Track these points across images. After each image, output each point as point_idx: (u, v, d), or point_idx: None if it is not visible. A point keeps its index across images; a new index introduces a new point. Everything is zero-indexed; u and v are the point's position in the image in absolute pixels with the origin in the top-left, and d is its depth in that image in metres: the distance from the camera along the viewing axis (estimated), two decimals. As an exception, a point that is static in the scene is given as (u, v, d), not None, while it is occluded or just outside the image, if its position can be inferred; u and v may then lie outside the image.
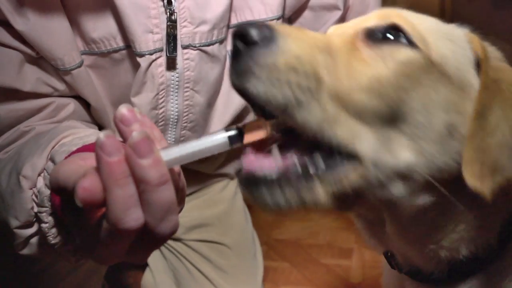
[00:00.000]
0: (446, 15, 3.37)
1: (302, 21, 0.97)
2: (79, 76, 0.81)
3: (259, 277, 1.19)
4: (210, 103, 0.94)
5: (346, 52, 0.43)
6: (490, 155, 0.40)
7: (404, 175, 0.42)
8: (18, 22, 0.73)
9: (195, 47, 0.84)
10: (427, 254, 0.50)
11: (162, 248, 1.23)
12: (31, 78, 0.78)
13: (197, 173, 1.12)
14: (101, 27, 0.80)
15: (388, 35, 0.43)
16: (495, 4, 2.97)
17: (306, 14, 0.96)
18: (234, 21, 0.90)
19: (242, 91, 0.40)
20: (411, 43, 0.43)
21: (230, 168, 1.19)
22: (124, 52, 0.83)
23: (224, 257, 1.17)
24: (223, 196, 1.23)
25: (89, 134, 0.68)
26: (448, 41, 0.46)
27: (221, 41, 0.87)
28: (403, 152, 0.41)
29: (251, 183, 0.41)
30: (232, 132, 0.44)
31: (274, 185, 0.38)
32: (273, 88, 0.36)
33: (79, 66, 0.81)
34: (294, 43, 0.38)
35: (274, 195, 0.38)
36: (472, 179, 0.40)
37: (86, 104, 0.89)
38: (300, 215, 2.03)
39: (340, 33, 0.47)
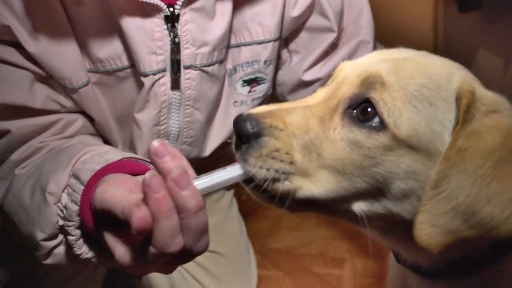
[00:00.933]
0: (439, 28, 3.44)
1: (298, 41, 1.02)
2: (85, 94, 0.86)
3: (253, 285, 1.23)
4: (209, 119, 0.98)
5: (322, 128, 0.51)
6: (442, 219, 0.44)
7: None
8: (30, 45, 0.77)
9: (196, 67, 0.88)
10: (417, 251, 0.54)
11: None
12: (41, 96, 0.82)
13: None
14: (107, 48, 0.84)
15: (361, 113, 0.49)
16: (486, 18, 3.04)
17: (303, 35, 1.01)
18: (233, 41, 0.95)
19: None
20: (382, 123, 0.48)
21: None
22: (128, 70, 0.87)
23: (219, 265, 1.21)
24: (219, 207, 1.27)
25: (106, 150, 0.74)
26: (427, 107, 0.48)
27: (221, 61, 0.92)
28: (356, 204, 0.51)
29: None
30: None
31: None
32: (258, 170, 0.51)
33: (86, 85, 0.85)
34: (275, 138, 0.50)
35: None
36: (422, 238, 0.45)
37: (91, 119, 0.93)
38: (294, 224, 2.06)
39: (327, 96, 0.54)
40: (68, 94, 0.86)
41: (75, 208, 0.63)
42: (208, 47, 0.88)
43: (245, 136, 0.51)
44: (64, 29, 0.81)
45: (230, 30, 0.92)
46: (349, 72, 0.55)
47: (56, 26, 0.80)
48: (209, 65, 0.90)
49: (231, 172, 0.53)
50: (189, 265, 1.21)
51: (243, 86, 0.99)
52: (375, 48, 1.05)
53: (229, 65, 0.97)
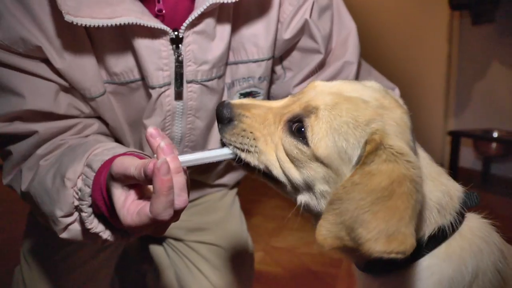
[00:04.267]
0: (453, 40, 3.48)
1: (291, 59, 1.13)
2: (102, 102, 0.99)
3: (250, 277, 1.34)
4: (209, 127, 1.10)
5: (274, 125, 0.68)
6: (334, 228, 0.57)
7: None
8: (57, 62, 0.91)
9: (197, 82, 1.00)
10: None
11: (166, 247, 1.39)
12: (64, 103, 0.96)
13: (199, 183, 1.29)
14: (122, 63, 0.96)
15: (296, 130, 0.65)
16: (499, 31, 3.08)
17: (295, 54, 1.12)
18: (231, 59, 1.06)
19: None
20: (306, 141, 0.63)
21: (228, 179, 1.35)
22: (139, 82, 0.99)
23: (219, 258, 1.31)
24: (222, 204, 1.38)
25: (114, 146, 0.88)
26: (342, 140, 0.62)
27: (220, 77, 1.04)
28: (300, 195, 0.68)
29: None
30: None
31: None
32: (233, 143, 0.69)
33: (102, 94, 0.98)
34: (242, 121, 0.69)
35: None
36: (319, 237, 0.58)
37: (107, 124, 1.06)
38: (298, 225, 2.17)
39: (286, 104, 0.71)
40: (87, 102, 0.99)
41: (87, 190, 0.76)
42: (208, 65, 0.98)
43: (221, 119, 0.69)
44: (85, 48, 0.93)
45: (228, 49, 1.03)
46: (309, 93, 0.70)
47: (79, 45, 0.92)
48: (208, 80, 1.00)
49: (215, 151, 0.70)
50: (193, 256, 1.32)
51: (240, 98, 1.09)
52: (359, 67, 1.16)
53: (228, 80, 1.08)
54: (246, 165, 0.70)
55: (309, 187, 0.65)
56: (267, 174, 0.69)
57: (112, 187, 0.69)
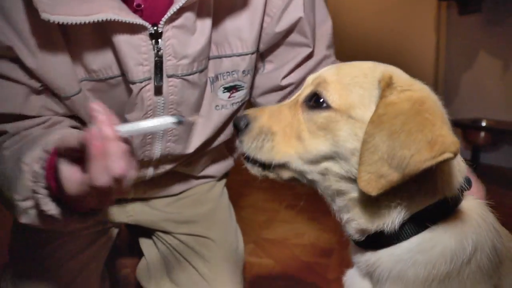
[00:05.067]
0: (441, 30, 3.50)
1: (274, 53, 1.12)
2: (77, 100, 0.98)
3: (240, 268, 1.34)
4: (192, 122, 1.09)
5: (291, 114, 0.70)
6: (374, 167, 0.57)
7: (322, 173, 0.67)
8: (30, 61, 0.89)
9: (178, 76, 0.99)
10: (348, 224, 0.69)
11: (156, 240, 1.39)
12: (36, 105, 0.96)
13: (185, 175, 1.28)
14: (100, 60, 0.95)
15: (313, 102, 0.67)
16: (486, 21, 3.10)
17: (279, 48, 1.12)
18: (215, 53, 1.05)
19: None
20: (327, 104, 0.65)
21: (214, 171, 1.34)
22: (119, 78, 0.98)
23: (208, 249, 1.30)
24: (210, 196, 1.37)
25: (72, 131, 0.88)
26: (358, 89, 0.65)
27: (201, 71, 1.02)
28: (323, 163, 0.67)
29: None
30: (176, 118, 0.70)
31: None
32: (250, 146, 0.70)
33: (78, 93, 0.97)
34: (257, 123, 0.71)
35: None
36: (362, 184, 0.58)
37: (84, 122, 1.04)
38: (289, 217, 2.17)
39: (293, 98, 0.73)
40: (62, 101, 0.98)
41: (41, 172, 0.77)
42: (188, 59, 0.97)
43: (239, 128, 0.72)
44: (59, 46, 0.91)
45: (210, 43, 1.02)
46: (309, 78, 0.74)
47: (52, 44, 0.90)
48: (189, 75, 0.99)
49: (154, 120, 0.69)
50: (182, 248, 1.32)
51: (224, 92, 1.09)
52: (334, 60, 1.18)
53: (211, 74, 1.06)
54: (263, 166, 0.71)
55: (337, 154, 0.65)
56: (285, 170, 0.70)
57: (59, 164, 0.70)
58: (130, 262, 1.50)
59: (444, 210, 0.64)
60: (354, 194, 0.65)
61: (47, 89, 0.95)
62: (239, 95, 1.12)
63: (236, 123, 0.72)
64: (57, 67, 0.92)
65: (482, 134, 2.99)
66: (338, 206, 0.69)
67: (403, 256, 0.64)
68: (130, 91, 0.97)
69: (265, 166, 0.70)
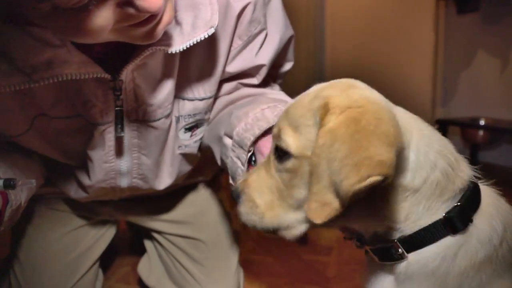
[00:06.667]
0: (439, 29, 3.51)
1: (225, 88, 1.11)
2: (24, 138, 0.93)
3: (233, 268, 1.33)
4: (158, 162, 1.06)
5: (267, 174, 0.71)
6: (319, 195, 0.58)
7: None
8: None
9: (140, 121, 0.96)
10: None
11: (153, 240, 1.39)
12: None
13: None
14: (59, 105, 0.90)
15: (278, 155, 0.68)
16: (484, 19, 3.10)
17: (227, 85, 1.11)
18: (178, 93, 1.01)
19: None
20: (289, 154, 0.65)
21: (201, 178, 1.35)
22: (79, 118, 0.93)
23: (199, 251, 1.30)
24: (199, 197, 1.38)
25: None
26: (306, 127, 0.63)
27: (167, 116, 0.99)
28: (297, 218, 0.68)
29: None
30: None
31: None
32: (247, 217, 0.72)
33: (27, 131, 0.92)
34: (245, 195, 0.73)
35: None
36: (310, 214, 0.59)
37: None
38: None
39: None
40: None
41: None
42: (153, 107, 0.95)
43: (236, 201, 0.75)
44: (6, 97, 0.84)
45: (174, 89, 0.98)
46: (273, 130, 0.74)
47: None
48: (154, 121, 0.97)
49: None
50: (174, 250, 1.32)
51: (185, 133, 1.07)
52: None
53: (175, 113, 1.03)
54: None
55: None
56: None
57: None
58: (131, 261, 1.50)
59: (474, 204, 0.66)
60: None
61: None
62: (201, 131, 1.10)
63: (233, 197, 0.77)
64: (3, 114, 0.88)
65: (481, 132, 3.00)
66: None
67: (434, 261, 0.64)
68: (90, 128, 0.94)
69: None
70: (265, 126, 0.88)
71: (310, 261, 1.70)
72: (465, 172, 0.66)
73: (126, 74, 0.88)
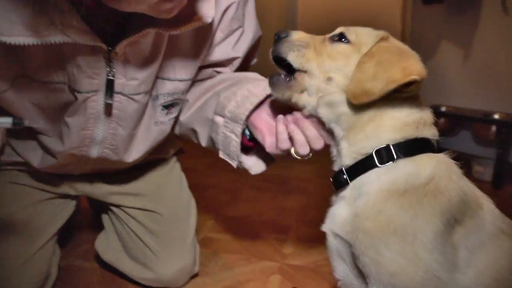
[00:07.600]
0: (406, 19, 3.59)
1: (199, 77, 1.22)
2: (1, 98, 0.98)
3: (188, 241, 1.37)
4: (131, 135, 1.13)
5: (320, 42, 0.89)
6: (360, 83, 0.77)
7: (328, 78, 0.86)
8: None
9: (124, 94, 1.03)
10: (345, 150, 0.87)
11: (110, 214, 1.41)
12: None
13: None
14: (46, 69, 0.95)
15: (337, 38, 0.86)
16: (448, 11, 3.19)
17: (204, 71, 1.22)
18: (160, 74, 1.11)
19: (275, 56, 0.90)
20: (348, 41, 0.85)
21: (159, 154, 1.39)
22: (62, 85, 0.98)
23: (156, 223, 1.34)
24: (159, 171, 1.41)
25: None
26: (368, 37, 0.85)
27: (147, 92, 1.08)
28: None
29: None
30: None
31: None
32: (288, 48, 0.88)
33: (5, 91, 0.96)
34: (297, 35, 0.90)
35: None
36: (349, 94, 0.79)
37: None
38: (252, 197, 2.22)
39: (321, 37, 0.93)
40: None
41: None
42: (138, 81, 1.03)
43: (280, 36, 0.89)
44: None
45: (159, 67, 1.07)
46: (338, 29, 0.90)
47: None
48: (136, 95, 1.05)
49: None
50: (131, 222, 1.36)
51: (162, 110, 1.16)
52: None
53: (154, 92, 1.12)
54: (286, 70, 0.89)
55: (343, 70, 0.83)
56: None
57: None
58: (91, 238, 1.52)
59: (415, 148, 0.80)
60: (345, 108, 0.82)
61: None
62: (176, 110, 1.19)
63: (278, 33, 0.89)
64: None
65: (442, 120, 3.10)
66: (337, 132, 0.86)
67: (372, 176, 0.81)
68: (70, 97, 0.99)
69: (290, 70, 0.88)
70: (256, 100, 1.02)
71: (268, 238, 1.75)
72: (429, 133, 0.82)
73: (120, 48, 0.95)
